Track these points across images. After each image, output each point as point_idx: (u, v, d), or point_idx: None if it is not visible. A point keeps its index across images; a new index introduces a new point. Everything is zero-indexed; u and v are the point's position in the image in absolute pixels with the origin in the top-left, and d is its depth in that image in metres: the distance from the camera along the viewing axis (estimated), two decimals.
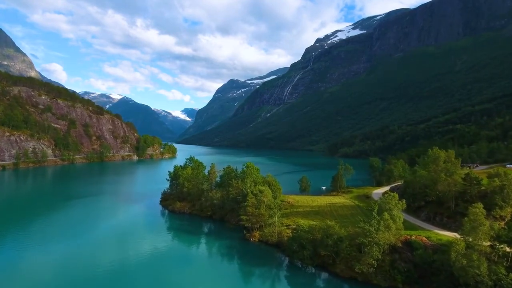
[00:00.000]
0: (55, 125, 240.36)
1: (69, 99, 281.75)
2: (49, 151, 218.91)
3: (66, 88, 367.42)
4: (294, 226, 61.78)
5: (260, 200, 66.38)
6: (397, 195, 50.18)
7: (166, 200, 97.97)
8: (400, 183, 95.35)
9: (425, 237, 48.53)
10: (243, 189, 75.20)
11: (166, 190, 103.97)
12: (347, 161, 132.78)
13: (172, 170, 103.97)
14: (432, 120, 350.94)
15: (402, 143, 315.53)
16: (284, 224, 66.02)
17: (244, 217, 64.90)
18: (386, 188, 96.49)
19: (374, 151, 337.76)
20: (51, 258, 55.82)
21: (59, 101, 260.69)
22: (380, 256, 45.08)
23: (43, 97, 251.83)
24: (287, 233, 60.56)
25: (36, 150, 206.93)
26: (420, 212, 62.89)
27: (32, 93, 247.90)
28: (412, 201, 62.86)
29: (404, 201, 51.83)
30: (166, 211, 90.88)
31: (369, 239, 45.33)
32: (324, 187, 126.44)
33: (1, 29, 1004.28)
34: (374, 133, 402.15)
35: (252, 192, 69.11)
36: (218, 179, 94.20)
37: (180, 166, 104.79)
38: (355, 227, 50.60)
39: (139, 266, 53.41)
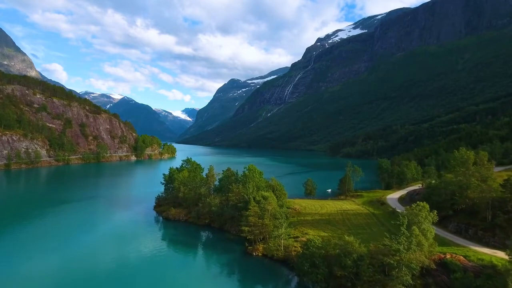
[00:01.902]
0: (50, 125, 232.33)
1: (65, 98, 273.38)
2: (43, 152, 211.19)
3: (63, 87, 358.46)
4: (303, 239, 54.10)
5: (264, 208, 58.58)
6: (427, 205, 42.50)
7: (160, 205, 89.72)
8: (418, 187, 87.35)
9: (462, 255, 40.82)
10: (245, 195, 67.44)
11: (160, 195, 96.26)
12: (349, 161, 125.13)
13: (167, 172, 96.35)
14: (435, 120, 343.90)
15: (405, 143, 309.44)
16: (292, 236, 58.03)
17: (246, 228, 56.81)
18: (401, 192, 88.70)
19: (377, 151, 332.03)
20: (35, 269, 48.97)
21: (54, 100, 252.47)
22: (411, 282, 37.27)
23: (38, 96, 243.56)
24: (295, 246, 52.77)
25: (29, 150, 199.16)
26: (448, 223, 54.78)
27: (27, 91, 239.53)
28: (438, 210, 55.08)
29: (435, 212, 44.10)
30: (160, 218, 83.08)
31: (398, 258, 37.61)
32: (329, 190, 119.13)
33: (1, 29, 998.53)
34: (377, 133, 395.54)
35: (254, 199, 61.30)
36: (217, 183, 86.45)
37: (176, 168, 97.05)
38: (377, 244, 42.83)
39: (127, 282, 46.03)
